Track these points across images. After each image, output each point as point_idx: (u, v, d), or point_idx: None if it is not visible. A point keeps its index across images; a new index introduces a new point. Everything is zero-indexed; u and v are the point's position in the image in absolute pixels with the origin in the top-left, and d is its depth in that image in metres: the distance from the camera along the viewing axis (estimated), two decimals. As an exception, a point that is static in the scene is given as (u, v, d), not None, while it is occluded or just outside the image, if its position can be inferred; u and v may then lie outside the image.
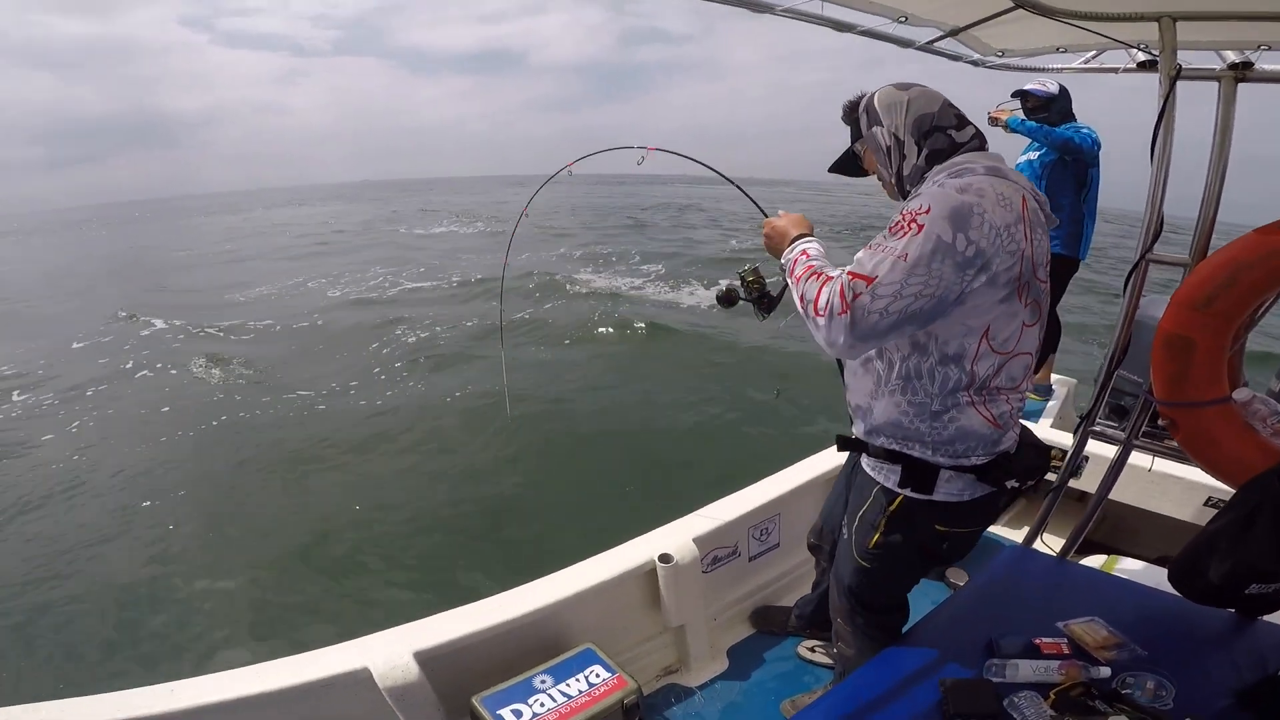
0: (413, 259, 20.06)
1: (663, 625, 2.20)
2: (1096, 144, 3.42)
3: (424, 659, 1.68)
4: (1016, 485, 1.40)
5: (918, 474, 1.38)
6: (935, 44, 1.69)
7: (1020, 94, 3.59)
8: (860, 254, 1.25)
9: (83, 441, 7.39)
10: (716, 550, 2.28)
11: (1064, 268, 3.66)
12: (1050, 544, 2.01)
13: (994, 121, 3.61)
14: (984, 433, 1.34)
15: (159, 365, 9.92)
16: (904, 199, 1.41)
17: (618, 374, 8.54)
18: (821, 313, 1.22)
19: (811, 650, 2.27)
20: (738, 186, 2.07)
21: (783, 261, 1.45)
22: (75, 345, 11.91)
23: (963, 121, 1.36)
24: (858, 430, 1.53)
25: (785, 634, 2.37)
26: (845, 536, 1.59)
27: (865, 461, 1.50)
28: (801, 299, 1.30)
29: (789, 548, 2.54)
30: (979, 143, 1.36)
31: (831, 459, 2.57)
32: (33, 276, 22.51)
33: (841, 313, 1.19)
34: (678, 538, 2.15)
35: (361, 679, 1.64)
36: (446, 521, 5.11)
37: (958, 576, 2.48)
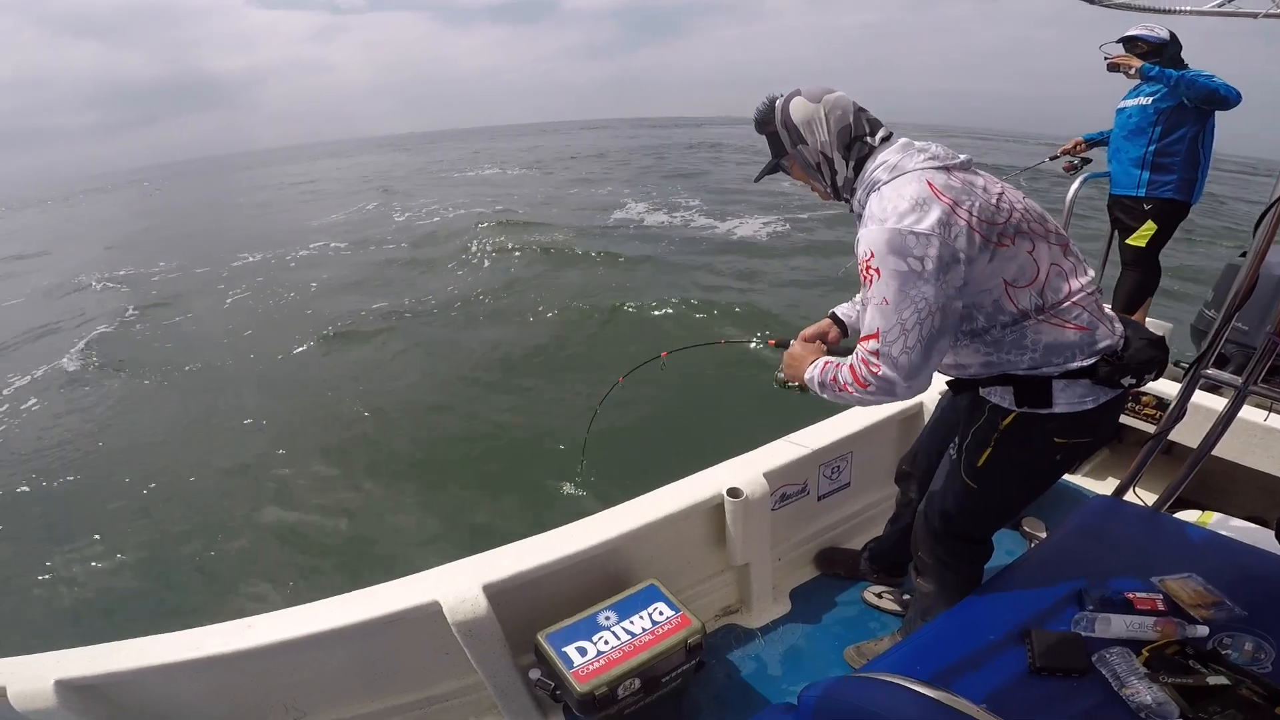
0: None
1: (725, 563, 2.25)
2: (1239, 95, 3.33)
3: (492, 593, 1.74)
4: (1134, 382, 1.44)
5: (1032, 389, 1.46)
6: None
7: (1129, 40, 3.51)
8: (863, 318, 1.43)
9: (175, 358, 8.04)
10: (786, 487, 2.30)
11: (1175, 212, 3.64)
12: (1137, 497, 1.99)
13: (1116, 67, 3.54)
14: (1073, 339, 1.41)
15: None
16: (840, 200, 1.57)
17: (687, 297, 8.68)
18: (863, 381, 1.43)
19: (879, 596, 2.31)
20: (734, 341, 2.46)
21: (808, 378, 1.63)
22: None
23: (874, 125, 1.49)
24: (958, 376, 1.61)
25: (850, 578, 2.41)
26: (953, 456, 1.66)
27: (981, 389, 1.56)
28: (842, 389, 1.50)
29: (859, 488, 2.56)
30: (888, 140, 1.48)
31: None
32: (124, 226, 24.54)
33: (876, 370, 1.40)
34: (747, 472, 2.15)
35: (432, 613, 1.71)
36: (510, 449, 5.35)
37: (1035, 527, 2.47)
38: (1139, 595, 1.43)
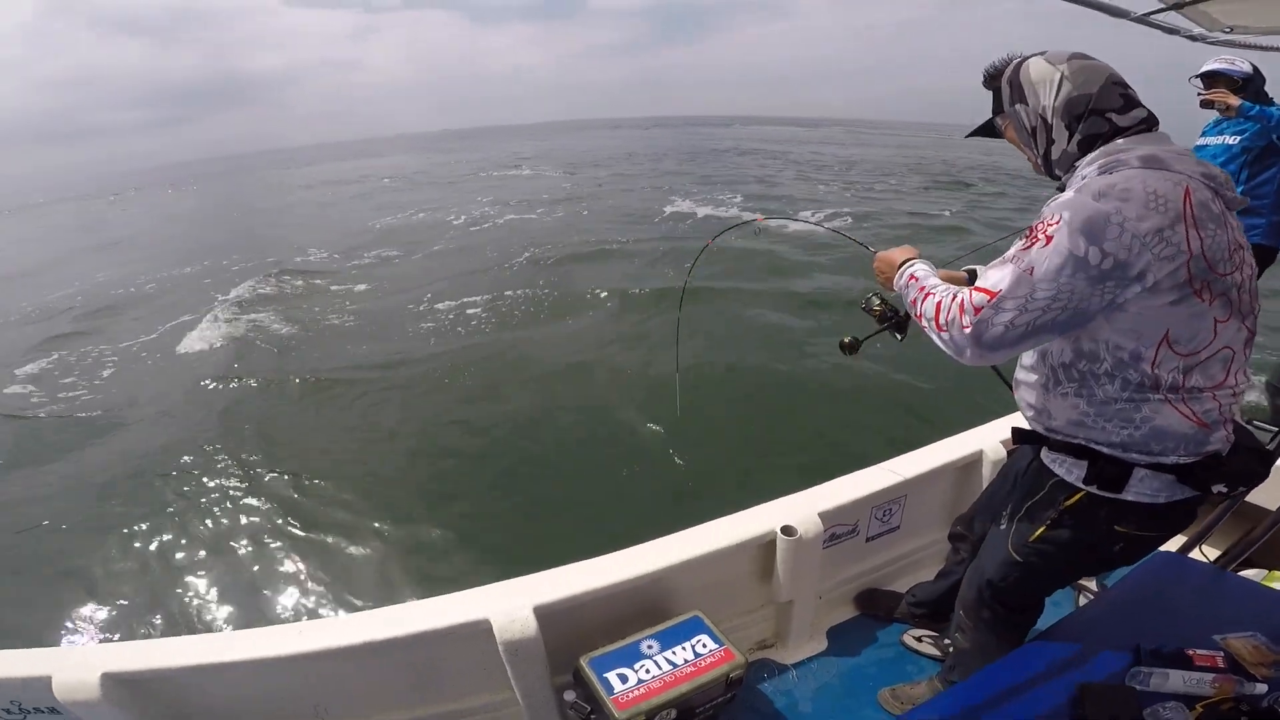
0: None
1: (768, 598, 2.29)
2: None
3: (541, 614, 1.80)
4: (1225, 490, 1.35)
5: (1106, 471, 1.37)
6: (1153, 16, 1.61)
7: (1210, 75, 3.44)
8: (987, 270, 1.31)
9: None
10: (836, 527, 2.33)
11: (1264, 258, 3.56)
12: (1203, 554, 1.99)
13: (1210, 104, 3.46)
14: (1186, 432, 1.30)
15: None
16: (1051, 178, 1.44)
17: (762, 327, 8.71)
18: (944, 327, 1.32)
19: (919, 640, 2.33)
20: (842, 233, 2.30)
21: (896, 288, 1.58)
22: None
23: (1130, 103, 1.31)
24: (1033, 425, 1.53)
25: (890, 620, 2.44)
26: (1002, 527, 1.62)
27: (1044, 454, 1.51)
28: (921, 317, 1.42)
29: (909, 532, 2.58)
30: (1147, 126, 1.31)
31: (967, 445, 2.57)
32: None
33: (964, 327, 1.27)
34: (801, 511, 2.18)
35: (481, 630, 1.77)
36: (565, 469, 5.48)
37: (1086, 579, 2.48)
38: (1199, 652, 1.44)
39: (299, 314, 10.70)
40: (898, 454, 2.54)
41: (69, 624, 3.99)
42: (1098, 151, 1.31)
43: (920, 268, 1.54)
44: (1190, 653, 1.44)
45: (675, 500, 4.86)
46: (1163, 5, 1.56)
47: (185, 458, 5.94)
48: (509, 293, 10.57)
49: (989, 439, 2.56)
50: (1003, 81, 1.43)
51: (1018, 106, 1.41)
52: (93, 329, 11.00)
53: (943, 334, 1.33)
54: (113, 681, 1.68)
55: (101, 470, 5.95)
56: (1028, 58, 1.40)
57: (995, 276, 1.26)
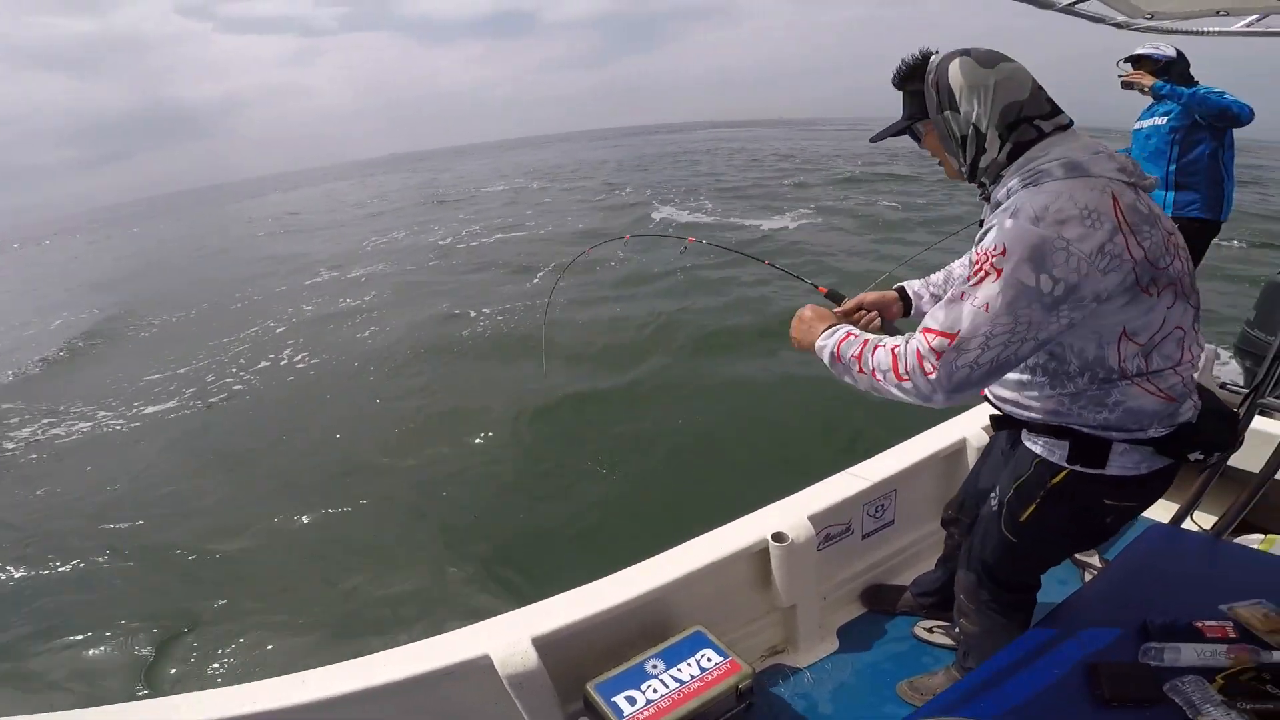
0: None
1: (771, 605, 2.30)
2: (1251, 111, 3.47)
3: (541, 645, 1.79)
4: (1200, 458, 1.41)
5: (1088, 448, 1.42)
6: (1078, 5, 1.63)
7: (1136, 59, 3.69)
8: (935, 310, 1.30)
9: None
10: (830, 528, 2.35)
11: (1204, 230, 3.76)
12: (1194, 523, 2.02)
13: (1130, 85, 3.69)
14: (1157, 409, 1.36)
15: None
16: (975, 185, 1.43)
17: (719, 336, 8.74)
18: (905, 376, 1.30)
19: (930, 631, 2.34)
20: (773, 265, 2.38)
21: (820, 346, 1.50)
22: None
23: (1054, 109, 1.32)
24: (1010, 414, 1.56)
25: (898, 613, 2.45)
26: (993, 509, 1.65)
27: (1026, 436, 1.54)
28: (872, 372, 1.36)
29: (904, 525, 2.61)
30: (1065, 128, 1.32)
31: (950, 434, 2.62)
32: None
33: (929, 372, 1.26)
34: (791, 515, 2.21)
35: (482, 666, 1.76)
36: (550, 499, 5.41)
37: (1087, 555, 2.50)
38: (1208, 624, 1.44)
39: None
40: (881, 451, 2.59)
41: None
42: (1020, 160, 1.31)
43: (852, 327, 1.51)
44: (1199, 625, 1.45)
45: (666, 518, 4.83)
46: None
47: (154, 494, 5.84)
48: (482, 317, 10.51)
49: (971, 426, 2.63)
50: (926, 85, 1.37)
51: (947, 114, 1.35)
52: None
53: (904, 383, 1.30)
54: None
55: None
56: (949, 58, 1.34)
57: (948, 317, 1.26)
